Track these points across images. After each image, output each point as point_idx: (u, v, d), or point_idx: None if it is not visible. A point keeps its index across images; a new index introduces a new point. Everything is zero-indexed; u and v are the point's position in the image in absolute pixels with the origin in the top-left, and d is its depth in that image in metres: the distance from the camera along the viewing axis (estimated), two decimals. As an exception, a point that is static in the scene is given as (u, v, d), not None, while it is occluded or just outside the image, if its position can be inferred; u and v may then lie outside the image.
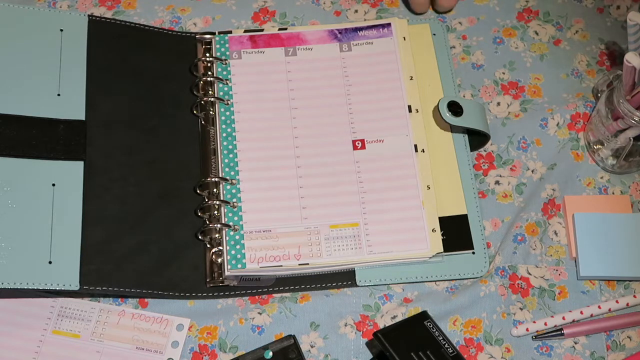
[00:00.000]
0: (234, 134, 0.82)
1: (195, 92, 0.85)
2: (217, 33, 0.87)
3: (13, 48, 0.81)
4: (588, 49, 0.90)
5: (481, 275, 0.79)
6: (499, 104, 0.87)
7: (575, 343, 0.77)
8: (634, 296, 0.78)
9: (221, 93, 0.84)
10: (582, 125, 0.86)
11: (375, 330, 0.72)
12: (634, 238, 0.79)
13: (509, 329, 0.77)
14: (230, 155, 0.81)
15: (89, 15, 0.85)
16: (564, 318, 0.77)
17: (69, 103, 0.80)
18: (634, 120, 0.77)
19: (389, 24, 0.88)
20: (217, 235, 0.78)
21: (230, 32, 0.87)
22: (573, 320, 0.77)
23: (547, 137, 0.85)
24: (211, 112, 0.83)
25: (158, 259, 0.78)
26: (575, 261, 0.79)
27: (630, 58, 0.73)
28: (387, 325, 0.76)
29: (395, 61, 0.86)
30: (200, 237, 0.79)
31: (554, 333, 0.76)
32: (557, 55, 0.90)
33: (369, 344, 0.76)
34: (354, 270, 0.78)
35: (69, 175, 0.77)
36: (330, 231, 0.78)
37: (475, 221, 0.80)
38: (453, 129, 0.83)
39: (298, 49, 0.87)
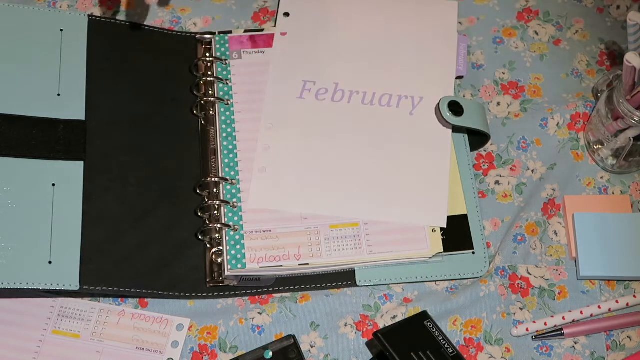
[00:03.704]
0: (234, 134, 0.82)
1: (195, 92, 0.85)
2: (217, 33, 0.87)
3: (13, 48, 0.81)
4: (588, 49, 0.90)
5: (481, 275, 0.79)
6: (499, 104, 0.87)
7: (575, 343, 0.77)
8: (634, 296, 0.78)
9: (221, 93, 0.84)
10: (582, 125, 0.86)
11: (375, 330, 0.72)
12: (634, 238, 0.79)
13: (509, 329, 0.77)
14: (230, 155, 0.81)
15: (89, 15, 0.85)
16: (564, 318, 0.77)
17: (69, 103, 0.80)
18: (634, 120, 0.77)
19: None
20: (217, 235, 0.78)
21: (230, 32, 0.87)
22: (573, 320, 0.77)
23: (547, 137, 0.85)
24: (211, 112, 0.83)
25: (158, 259, 0.78)
26: (575, 261, 0.79)
27: (630, 58, 0.73)
28: (387, 325, 0.76)
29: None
30: (200, 237, 0.79)
31: (554, 333, 0.77)
32: (557, 55, 0.90)
33: (369, 344, 0.76)
34: (354, 270, 0.78)
35: (69, 175, 0.77)
36: (330, 231, 0.78)
37: (475, 221, 0.80)
38: (453, 128, 0.83)
39: (298, 49, 0.88)
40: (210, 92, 0.84)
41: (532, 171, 0.84)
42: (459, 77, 0.87)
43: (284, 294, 0.79)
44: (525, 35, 0.91)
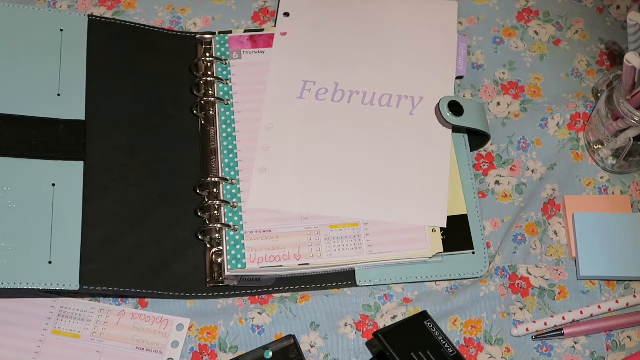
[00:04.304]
0: (234, 134, 0.82)
1: (195, 92, 0.85)
2: (217, 33, 0.87)
3: (13, 48, 0.81)
4: (588, 49, 0.90)
5: (481, 275, 0.79)
6: (499, 104, 0.87)
7: (575, 343, 0.77)
8: (634, 296, 0.78)
9: (221, 93, 0.84)
10: (582, 125, 0.86)
11: (375, 330, 0.72)
12: (634, 238, 0.79)
13: (509, 329, 0.77)
14: (230, 155, 0.81)
15: (89, 15, 0.85)
16: (564, 318, 0.77)
17: (69, 103, 0.80)
18: (634, 120, 0.77)
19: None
20: (217, 235, 0.78)
21: (230, 32, 0.87)
22: (573, 320, 0.77)
23: (547, 137, 0.85)
24: (211, 112, 0.83)
25: (158, 259, 0.78)
26: (575, 261, 0.79)
27: (630, 58, 0.73)
28: (387, 325, 0.76)
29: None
30: (200, 237, 0.79)
31: (554, 333, 0.77)
32: (557, 55, 0.90)
33: (369, 344, 0.76)
34: (354, 270, 0.78)
35: (69, 175, 0.77)
36: (330, 231, 0.78)
37: (475, 221, 0.80)
38: (453, 128, 0.83)
39: (298, 49, 0.88)
40: (210, 92, 0.84)
41: (532, 171, 0.84)
42: (459, 77, 0.87)
43: (284, 294, 0.79)
44: (525, 35, 0.91)
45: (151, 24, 0.89)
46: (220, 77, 0.84)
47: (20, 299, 0.77)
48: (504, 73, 0.89)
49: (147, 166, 0.81)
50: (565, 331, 0.76)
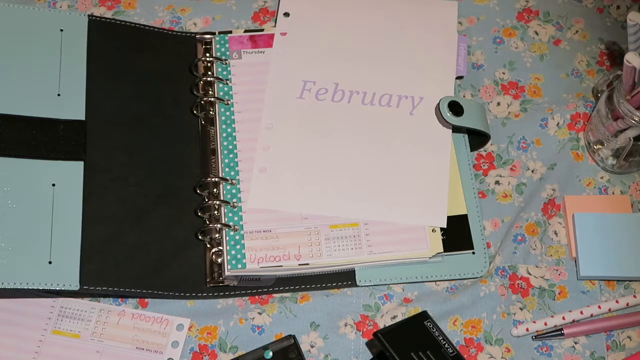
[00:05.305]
0: (234, 134, 0.82)
1: (195, 92, 0.85)
2: (217, 33, 0.87)
3: (13, 48, 0.81)
4: (588, 49, 0.90)
5: (481, 275, 0.79)
6: (499, 104, 0.87)
7: (575, 343, 0.77)
8: (634, 296, 0.78)
9: (221, 93, 0.84)
10: (582, 125, 0.86)
11: (375, 330, 0.72)
12: (634, 238, 0.79)
13: (509, 329, 0.77)
14: (230, 155, 0.81)
15: (89, 15, 0.85)
16: (564, 318, 0.77)
17: (69, 103, 0.80)
18: (634, 120, 0.77)
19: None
20: (217, 235, 0.78)
21: (230, 32, 0.87)
22: (573, 320, 0.77)
23: (547, 137, 0.85)
24: (211, 112, 0.83)
25: (158, 259, 0.78)
26: (575, 261, 0.79)
27: (630, 58, 0.73)
28: (387, 325, 0.76)
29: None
30: (200, 237, 0.79)
31: (554, 333, 0.77)
32: (557, 55, 0.90)
33: (369, 344, 0.76)
34: (354, 270, 0.78)
35: (69, 175, 0.77)
36: (330, 231, 0.78)
37: (475, 221, 0.80)
38: (453, 128, 0.83)
39: (298, 49, 0.88)
40: (210, 92, 0.84)
41: (532, 171, 0.84)
42: (459, 77, 0.87)
43: (284, 294, 0.79)
44: (525, 35, 0.91)
45: (151, 24, 0.89)
46: (220, 77, 0.84)
47: (20, 299, 0.77)
48: (504, 73, 0.89)
49: (147, 166, 0.81)
50: (565, 331, 0.76)
